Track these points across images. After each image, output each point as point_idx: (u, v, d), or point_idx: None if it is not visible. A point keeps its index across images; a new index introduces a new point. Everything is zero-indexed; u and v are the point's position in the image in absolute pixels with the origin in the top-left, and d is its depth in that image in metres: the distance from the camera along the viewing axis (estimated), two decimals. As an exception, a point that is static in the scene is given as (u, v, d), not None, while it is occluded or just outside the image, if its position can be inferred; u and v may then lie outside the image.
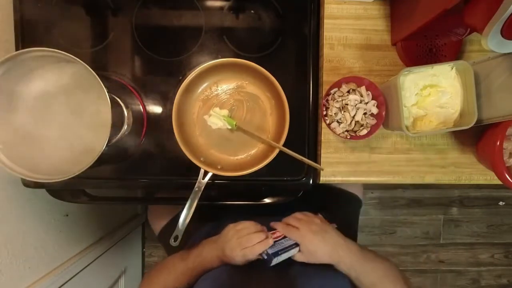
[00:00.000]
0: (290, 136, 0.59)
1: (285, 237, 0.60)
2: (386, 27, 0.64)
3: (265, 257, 0.57)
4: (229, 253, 0.58)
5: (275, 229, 0.63)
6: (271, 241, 0.58)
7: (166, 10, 0.65)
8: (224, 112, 0.62)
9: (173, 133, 0.58)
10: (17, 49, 0.62)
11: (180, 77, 0.65)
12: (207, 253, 0.63)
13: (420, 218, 1.62)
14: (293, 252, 0.58)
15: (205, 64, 0.58)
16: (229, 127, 0.61)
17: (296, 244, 0.59)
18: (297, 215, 0.63)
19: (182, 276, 0.63)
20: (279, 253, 0.56)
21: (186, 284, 0.63)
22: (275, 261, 0.56)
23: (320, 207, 0.86)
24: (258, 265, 0.59)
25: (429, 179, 0.65)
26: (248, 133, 0.62)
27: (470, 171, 0.66)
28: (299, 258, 0.59)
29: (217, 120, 0.61)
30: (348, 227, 0.91)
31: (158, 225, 0.89)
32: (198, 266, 0.62)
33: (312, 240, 0.58)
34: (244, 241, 0.58)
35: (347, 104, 0.59)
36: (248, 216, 0.74)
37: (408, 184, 0.68)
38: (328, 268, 0.60)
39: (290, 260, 0.59)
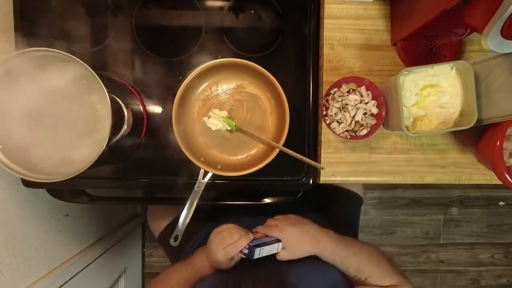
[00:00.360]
0: (290, 136, 0.59)
1: (266, 236, 0.60)
2: (386, 27, 0.64)
3: (246, 251, 0.57)
4: (213, 255, 0.58)
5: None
6: (251, 235, 0.58)
7: (166, 10, 0.65)
8: (223, 113, 0.62)
9: (173, 133, 0.58)
10: (17, 49, 0.62)
11: (180, 77, 0.65)
12: (198, 261, 0.63)
13: (420, 218, 1.62)
14: (275, 248, 0.58)
15: (205, 64, 0.58)
16: (229, 128, 0.61)
17: (278, 240, 0.58)
18: (274, 218, 0.64)
19: None
20: (261, 245, 0.56)
21: None
22: (258, 253, 0.56)
23: (320, 206, 0.86)
24: (250, 268, 0.59)
25: (429, 179, 0.65)
26: (247, 134, 0.62)
27: (470, 171, 0.66)
28: (284, 256, 0.58)
29: (216, 121, 0.61)
30: (349, 227, 0.91)
31: (157, 227, 0.89)
32: (192, 277, 0.62)
33: (293, 232, 0.59)
34: (226, 240, 0.58)
35: (347, 104, 0.59)
36: (248, 216, 0.74)
37: (408, 184, 0.67)
38: (316, 263, 0.60)
39: (277, 261, 0.59)
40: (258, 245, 0.56)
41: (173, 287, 0.62)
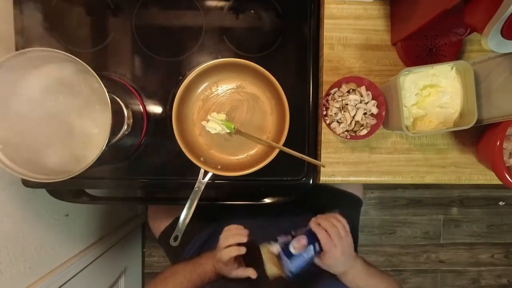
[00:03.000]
0: (290, 136, 0.59)
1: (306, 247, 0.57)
2: (386, 27, 0.64)
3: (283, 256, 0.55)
4: (217, 253, 0.58)
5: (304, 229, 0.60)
6: (245, 231, 0.59)
7: (166, 10, 0.65)
8: (222, 116, 0.62)
9: (173, 133, 0.58)
10: (17, 49, 0.62)
11: (180, 77, 0.65)
12: (204, 262, 0.63)
13: (420, 218, 1.61)
14: (311, 251, 0.56)
15: (205, 64, 0.58)
16: (228, 131, 0.61)
17: (313, 241, 0.57)
18: (331, 219, 0.59)
19: None
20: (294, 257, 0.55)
21: None
22: (292, 264, 0.55)
23: (319, 208, 0.86)
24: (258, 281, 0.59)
25: (429, 179, 0.65)
26: (247, 136, 0.62)
27: (470, 171, 0.66)
28: (317, 262, 0.58)
29: (215, 124, 0.61)
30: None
31: (158, 228, 0.89)
32: (196, 278, 0.62)
33: (337, 254, 0.56)
34: (231, 238, 0.58)
35: (347, 104, 0.59)
36: (248, 216, 0.74)
37: (408, 184, 0.67)
38: (328, 276, 0.60)
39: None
40: (291, 255, 0.55)
41: (176, 286, 0.62)
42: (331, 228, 0.57)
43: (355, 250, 0.74)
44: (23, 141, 0.52)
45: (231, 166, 0.62)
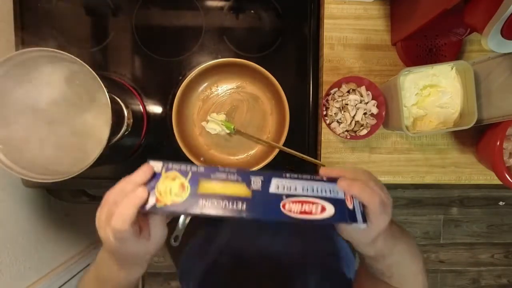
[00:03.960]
0: (290, 136, 0.59)
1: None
2: (386, 27, 0.64)
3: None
4: (103, 243, 0.35)
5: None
6: (142, 190, 0.32)
7: (166, 10, 0.65)
8: (221, 117, 0.62)
9: (173, 133, 0.58)
10: (17, 49, 0.62)
11: (180, 77, 0.65)
12: (100, 258, 0.43)
13: (420, 218, 1.61)
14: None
15: (205, 64, 0.58)
16: (228, 131, 0.61)
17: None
18: (362, 173, 0.38)
19: None
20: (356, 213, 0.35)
21: None
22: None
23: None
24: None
25: (429, 179, 0.65)
26: (246, 136, 0.62)
27: (470, 171, 0.66)
28: (366, 233, 0.38)
29: (215, 125, 0.61)
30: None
31: None
32: (102, 279, 0.42)
33: (385, 216, 0.36)
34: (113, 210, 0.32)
35: (347, 104, 0.59)
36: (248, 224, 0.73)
37: (408, 184, 0.67)
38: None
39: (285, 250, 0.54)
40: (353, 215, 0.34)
41: None
42: (349, 173, 0.37)
43: (353, 255, 0.74)
44: (23, 141, 0.52)
45: (231, 166, 0.62)
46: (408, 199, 1.61)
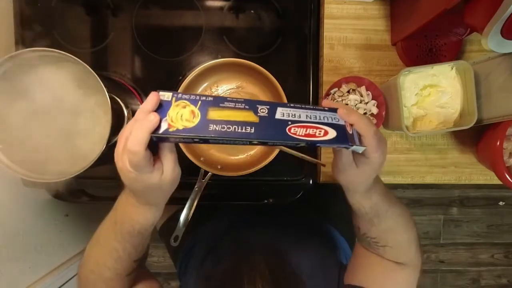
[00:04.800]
0: (290, 136, 0.59)
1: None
2: (386, 27, 0.64)
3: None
4: (121, 176, 0.37)
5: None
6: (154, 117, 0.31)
7: (166, 10, 0.65)
8: None
9: (173, 133, 0.58)
10: (17, 49, 0.62)
11: (180, 77, 0.65)
12: (118, 201, 0.46)
13: (420, 218, 1.61)
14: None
15: (205, 64, 0.58)
16: None
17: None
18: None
19: (115, 242, 0.44)
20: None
21: (127, 249, 0.44)
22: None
23: (320, 206, 0.86)
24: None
25: (429, 179, 0.65)
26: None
27: (470, 171, 0.66)
28: (372, 158, 0.37)
29: None
30: (349, 226, 0.91)
31: (158, 221, 0.89)
32: (119, 221, 0.44)
33: (380, 152, 0.37)
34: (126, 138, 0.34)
35: (347, 104, 0.59)
36: (248, 216, 0.74)
37: (408, 184, 0.67)
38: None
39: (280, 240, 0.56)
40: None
41: (103, 247, 0.46)
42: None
43: (350, 250, 0.74)
44: (23, 141, 0.52)
45: (231, 166, 0.62)
46: (408, 199, 1.61)
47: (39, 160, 0.52)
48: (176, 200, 0.67)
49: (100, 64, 0.64)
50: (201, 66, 0.58)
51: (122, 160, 0.35)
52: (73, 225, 0.90)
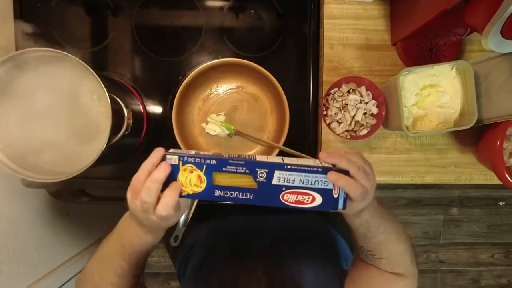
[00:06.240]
0: (290, 136, 0.59)
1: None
2: (386, 27, 0.64)
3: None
4: (151, 217, 0.38)
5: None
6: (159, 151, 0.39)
7: (166, 10, 0.65)
8: (221, 118, 0.62)
9: (173, 133, 0.58)
10: (17, 49, 0.62)
11: (180, 77, 0.65)
12: (123, 227, 0.49)
13: (420, 218, 1.61)
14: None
15: (205, 64, 0.58)
16: (227, 132, 0.61)
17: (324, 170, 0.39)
18: (353, 157, 0.42)
19: (114, 262, 0.47)
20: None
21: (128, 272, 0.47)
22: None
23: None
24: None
25: (429, 179, 0.65)
26: (246, 137, 0.62)
27: (470, 171, 0.66)
28: (351, 206, 0.41)
29: (215, 126, 0.61)
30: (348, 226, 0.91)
31: None
32: (128, 242, 0.47)
33: (363, 202, 0.42)
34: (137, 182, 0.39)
35: (347, 104, 0.59)
36: (248, 217, 0.74)
37: (408, 184, 0.67)
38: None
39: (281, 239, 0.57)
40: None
41: (108, 264, 0.48)
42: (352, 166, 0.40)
43: (351, 252, 0.74)
44: (23, 141, 0.52)
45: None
46: (408, 199, 1.61)
47: (39, 160, 0.52)
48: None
49: (100, 64, 0.64)
50: (201, 66, 0.58)
51: (150, 218, 0.39)
52: (73, 225, 0.90)
